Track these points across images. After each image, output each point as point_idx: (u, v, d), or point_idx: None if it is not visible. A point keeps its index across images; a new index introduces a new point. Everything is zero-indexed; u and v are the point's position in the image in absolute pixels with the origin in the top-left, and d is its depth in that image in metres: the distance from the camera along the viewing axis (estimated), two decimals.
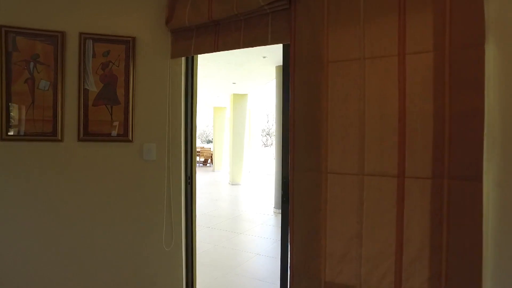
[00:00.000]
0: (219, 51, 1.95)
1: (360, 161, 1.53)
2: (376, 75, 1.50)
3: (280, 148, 6.07)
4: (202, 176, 12.27)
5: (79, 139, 1.97)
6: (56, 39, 1.89)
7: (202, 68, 6.43)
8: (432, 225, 1.37)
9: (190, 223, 2.24)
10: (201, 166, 16.56)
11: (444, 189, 1.35)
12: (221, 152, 14.39)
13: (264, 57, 5.18)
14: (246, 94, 10.01)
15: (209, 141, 28.13)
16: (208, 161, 16.76)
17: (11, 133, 1.87)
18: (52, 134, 1.92)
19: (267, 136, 30.84)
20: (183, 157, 2.17)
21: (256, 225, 5.20)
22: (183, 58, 2.14)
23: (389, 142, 1.47)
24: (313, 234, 1.65)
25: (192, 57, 2.20)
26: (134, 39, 2.03)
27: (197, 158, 16.55)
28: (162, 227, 2.09)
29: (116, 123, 2.01)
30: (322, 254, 1.63)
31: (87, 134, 1.98)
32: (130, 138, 2.03)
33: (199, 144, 26.65)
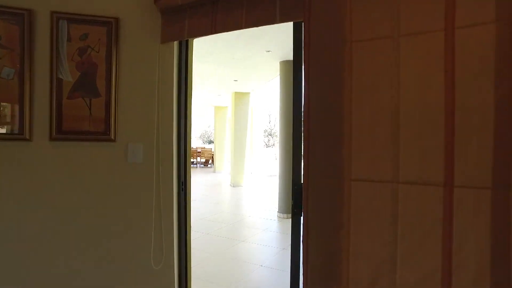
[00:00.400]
0: (217, 33, 1.64)
1: (394, 166, 1.22)
2: (415, 57, 1.18)
3: (285, 148, 5.76)
4: (202, 178, 11.98)
5: (51, 138, 1.66)
6: (22, 18, 1.58)
7: (201, 64, 6.13)
8: (494, 249, 1.05)
9: (184, 237, 1.92)
10: (202, 167, 16.27)
11: (510, 202, 1.03)
12: (222, 153, 14.07)
13: (268, 51, 4.85)
14: (248, 93, 9.70)
15: (210, 141, 27.83)
16: (209, 162, 16.46)
17: None
18: (18, 132, 1.62)
19: (269, 136, 30.52)
20: (176, 160, 1.86)
21: (259, 231, 4.87)
22: (176, 43, 1.83)
23: (432, 141, 1.15)
24: (334, 255, 1.33)
25: (187, 42, 1.88)
26: (117, 20, 1.72)
27: (198, 159, 16.28)
28: (150, 241, 1.78)
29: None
30: (344, 281, 1.31)
31: (60, 132, 1.67)
32: (112, 137, 1.72)
33: (200, 144, 26.33)
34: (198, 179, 11.39)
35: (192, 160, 16.09)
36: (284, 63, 5.61)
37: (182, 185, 1.90)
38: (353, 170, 1.29)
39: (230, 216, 5.99)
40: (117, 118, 1.73)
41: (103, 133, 1.72)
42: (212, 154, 15.67)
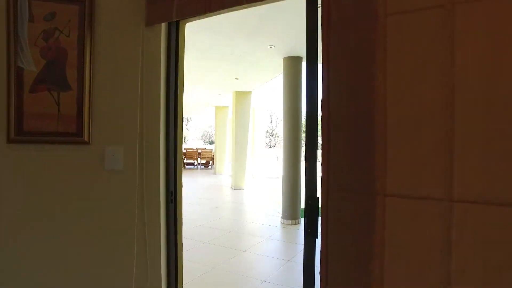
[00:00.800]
0: (212, 12, 1.34)
1: (446, 178, 0.91)
2: (478, 31, 0.88)
3: (288, 150, 5.44)
4: (202, 180, 11.67)
5: (9, 140, 1.36)
6: None
7: (200, 61, 5.82)
8: None
9: (174, 256, 1.62)
10: (202, 168, 15.96)
11: None
12: (223, 154, 13.76)
13: (271, 46, 4.54)
14: (250, 92, 9.39)
15: (211, 142, 27.56)
16: (210, 163, 16.15)
17: None
18: None
19: (270, 137, 30.22)
20: (164, 166, 1.56)
21: (262, 239, 4.55)
22: (164, 27, 1.53)
23: (504, 146, 0.84)
24: None
25: (177, 25, 1.58)
26: None
27: (198, 160, 15.98)
28: (132, 263, 1.47)
29: None
30: None
31: (21, 133, 1.37)
32: (86, 138, 1.42)
33: (201, 145, 26.02)
34: (198, 181, 11.08)
35: (192, 161, 15.83)
36: (288, 59, 5.29)
37: (171, 195, 1.60)
38: (388, 183, 0.99)
39: (230, 222, 5.67)
40: (92, 116, 1.43)
41: (74, 134, 1.42)
42: (213, 155, 15.37)
